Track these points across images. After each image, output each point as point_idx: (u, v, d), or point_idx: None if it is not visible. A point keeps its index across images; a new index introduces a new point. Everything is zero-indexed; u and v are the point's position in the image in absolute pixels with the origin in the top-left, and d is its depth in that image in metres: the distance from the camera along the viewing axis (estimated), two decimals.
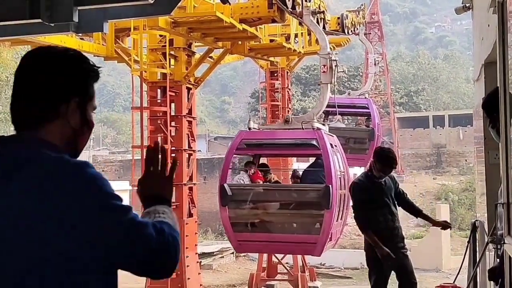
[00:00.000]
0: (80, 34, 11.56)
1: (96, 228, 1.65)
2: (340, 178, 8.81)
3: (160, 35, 12.24)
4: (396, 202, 7.01)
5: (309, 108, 33.42)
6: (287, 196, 9.59)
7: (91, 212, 1.66)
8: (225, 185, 9.00)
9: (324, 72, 9.63)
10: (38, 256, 1.62)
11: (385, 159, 6.77)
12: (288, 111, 18.84)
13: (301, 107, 50.64)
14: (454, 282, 6.26)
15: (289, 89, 19.98)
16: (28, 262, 1.61)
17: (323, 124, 9.60)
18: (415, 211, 7.29)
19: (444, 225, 7.27)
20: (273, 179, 11.16)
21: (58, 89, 1.79)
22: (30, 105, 1.78)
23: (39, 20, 3.25)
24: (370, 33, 43.06)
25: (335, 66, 9.69)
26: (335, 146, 9.09)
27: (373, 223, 6.70)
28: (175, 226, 1.83)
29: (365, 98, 16.60)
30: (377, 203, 6.73)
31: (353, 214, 7.05)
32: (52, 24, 3.28)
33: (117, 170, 38.96)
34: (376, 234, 6.67)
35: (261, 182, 10.39)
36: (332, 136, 9.38)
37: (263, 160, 12.04)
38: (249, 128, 9.16)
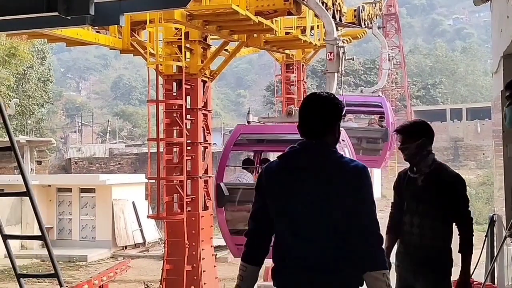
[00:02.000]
0: (96, 27, 11.60)
1: (357, 201, 3.06)
2: None
3: (176, 28, 12.23)
4: (447, 216, 4.64)
5: None
6: None
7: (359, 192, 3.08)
8: (221, 184, 8.29)
9: (330, 60, 8.78)
10: (333, 215, 3.06)
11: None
12: None
13: None
14: (471, 276, 6.19)
15: (305, 82, 19.89)
16: (329, 217, 3.06)
17: None
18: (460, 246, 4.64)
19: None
20: None
21: (336, 118, 3.24)
22: (322, 125, 3.20)
23: (56, 13, 3.25)
24: (385, 27, 42.69)
25: (343, 53, 8.82)
26: (343, 140, 8.39)
27: (402, 231, 4.83)
28: None
29: (379, 96, 16.25)
30: (405, 204, 4.80)
31: None
32: (69, 17, 3.29)
33: (133, 163, 39.13)
34: (402, 246, 4.87)
35: None
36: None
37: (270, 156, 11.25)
38: (248, 122, 8.52)
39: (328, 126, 3.21)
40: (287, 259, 3.17)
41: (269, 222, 3.24)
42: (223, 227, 8.41)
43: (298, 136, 9.05)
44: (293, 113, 8.54)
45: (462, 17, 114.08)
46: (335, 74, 8.83)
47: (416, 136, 4.64)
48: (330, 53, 8.77)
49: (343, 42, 9.22)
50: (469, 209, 4.61)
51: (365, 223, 3.04)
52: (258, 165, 9.56)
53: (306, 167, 3.13)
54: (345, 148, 8.49)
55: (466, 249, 4.54)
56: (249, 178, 9.17)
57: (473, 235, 4.59)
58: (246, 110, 9.00)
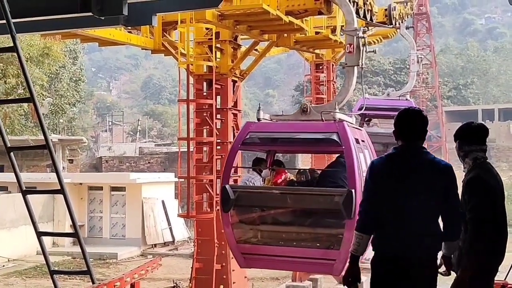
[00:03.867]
0: (129, 28, 11.71)
1: (445, 189, 4.31)
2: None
3: (207, 28, 12.29)
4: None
5: (354, 102, 32.59)
6: (301, 202, 7.80)
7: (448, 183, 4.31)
8: (227, 186, 7.49)
9: (350, 52, 8.00)
10: (430, 199, 4.30)
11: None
12: None
13: None
14: (505, 279, 6.10)
15: (334, 81, 19.82)
16: (424, 200, 4.28)
17: (350, 116, 8.11)
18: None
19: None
20: (289, 178, 8.66)
21: (425, 126, 4.46)
22: (416, 133, 4.42)
23: (90, 14, 3.30)
24: (413, 27, 42.07)
25: (363, 45, 8.00)
26: (362, 141, 7.65)
27: None
28: None
29: (406, 99, 15.96)
30: None
31: None
32: (103, 18, 3.33)
33: (163, 162, 39.40)
34: None
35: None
36: (360, 129, 8.08)
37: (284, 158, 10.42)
38: (258, 119, 7.82)
39: (420, 133, 4.41)
40: (388, 230, 4.31)
41: (377, 203, 4.33)
42: (229, 234, 7.67)
43: (313, 135, 8.35)
44: (308, 110, 7.75)
45: (494, 16, 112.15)
46: (355, 68, 8.11)
47: (455, 139, 4.99)
48: (350, 45, 8.00)
49: (365, 34, 8.32)
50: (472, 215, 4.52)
51: (454, 204, 4.30)
52: (269, 167, 8.71)
53: (406, 164, 4.33)
54: (365, 150, 7.68)
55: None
56: (258, 181, 8.42)
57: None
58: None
